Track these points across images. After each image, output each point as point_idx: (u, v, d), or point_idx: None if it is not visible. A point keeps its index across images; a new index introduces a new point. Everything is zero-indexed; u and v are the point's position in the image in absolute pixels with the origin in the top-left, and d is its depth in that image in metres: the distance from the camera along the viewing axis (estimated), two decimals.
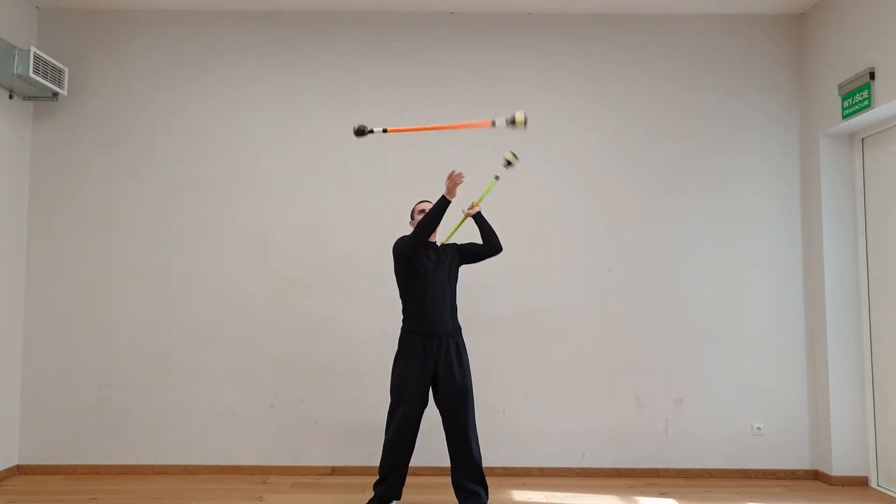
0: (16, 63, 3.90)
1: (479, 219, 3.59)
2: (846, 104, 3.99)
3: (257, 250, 4.32)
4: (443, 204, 3.37)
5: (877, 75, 3.78)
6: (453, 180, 3.34)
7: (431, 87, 4.41)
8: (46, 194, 4.33)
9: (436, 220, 3.40)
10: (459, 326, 3.55)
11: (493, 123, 3.41)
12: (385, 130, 3.50)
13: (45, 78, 4.03)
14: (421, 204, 3.61)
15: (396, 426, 3.43)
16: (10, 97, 4.14)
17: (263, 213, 4.34)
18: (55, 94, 4.22)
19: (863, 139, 4.16)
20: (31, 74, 3.91)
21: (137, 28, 4.43)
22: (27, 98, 4.25)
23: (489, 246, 3.60)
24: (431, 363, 3.43)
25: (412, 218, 3.64)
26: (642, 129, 4.39)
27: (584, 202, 4.37)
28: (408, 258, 3.44)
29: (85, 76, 4.38)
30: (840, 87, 4.03)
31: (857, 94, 3.89)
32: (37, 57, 3.95)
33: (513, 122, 3.36)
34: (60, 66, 4.16)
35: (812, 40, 4.34)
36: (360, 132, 3.42)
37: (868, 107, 3.81)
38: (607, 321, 4.30)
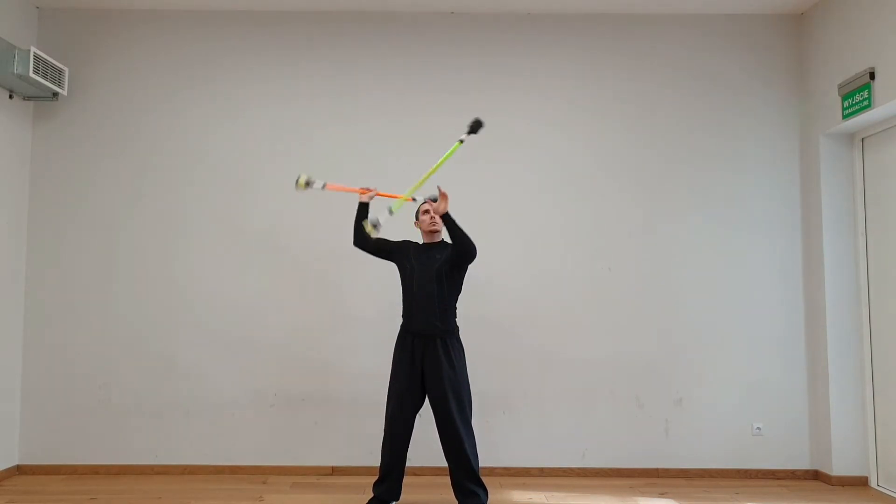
0: (16, 63, 3.90)
1: (445, 219, 3.37)
2: (846, 104, 3.98)
3: (258, 250, 4.32)
4: (359, 209, 3.63)
5: (877, 75, 3.78)
6: (367, 193, 3.61)
7: (432, 88, 4.41)
8: (46, 194, 4.33)
9: (356, 225, 3.60)
10: (456, 328, 3.51)
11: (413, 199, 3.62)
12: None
13: (45, 78, 4.03)
14: (425, 204, 3.60)
15: (389, 425, 3.46)
16: (10, 97, 4.14)
17: (264, 212, 4.34)
18: (55, 94, 4.22)
19: (863, 139, 4.16)
20: (31, 74, 3.91)
21: (138, 28, 4.43)
22: (27, 98, 4.25)
23: (457, 249, 3.39)
24: (419, 362, 3.43)
25: (416, 218, 3.65)
26: (642, 128, 4.39)
27: (584, 202, 4.37)
28: (383, 257, 3.63)
29: (85, 76, 4.38)
30: (840, 87, 4.03)
31: (857, 94, 3.89)
32: (37, 57, 3.95)
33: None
34: (60, 66, 4.16)
35: (812, 40, 4.34)
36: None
37: (868, 107, 3.81)
38: (607, 321, 4.30)
